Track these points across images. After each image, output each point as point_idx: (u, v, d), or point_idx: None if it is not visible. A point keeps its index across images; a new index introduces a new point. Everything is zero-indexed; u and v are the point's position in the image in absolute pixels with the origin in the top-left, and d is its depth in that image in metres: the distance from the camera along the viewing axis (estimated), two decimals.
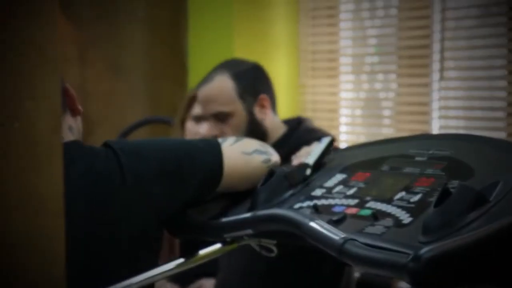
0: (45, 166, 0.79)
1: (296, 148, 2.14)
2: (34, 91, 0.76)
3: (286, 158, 2.11)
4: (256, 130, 2.27)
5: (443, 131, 3.39)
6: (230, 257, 2.21)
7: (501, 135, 3.19)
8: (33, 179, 0.77)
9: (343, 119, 4.08)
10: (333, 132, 3.93)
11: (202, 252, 1.85)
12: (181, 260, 1.83)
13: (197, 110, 2.73)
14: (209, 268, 2.47)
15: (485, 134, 2.34)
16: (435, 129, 3.47)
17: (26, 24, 0.73)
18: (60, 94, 0.80)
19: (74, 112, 1.81)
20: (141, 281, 1.72)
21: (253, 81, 2.30)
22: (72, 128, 1.80)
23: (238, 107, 2.26)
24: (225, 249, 1.85)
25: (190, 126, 2.77)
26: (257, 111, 2.27)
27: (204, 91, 2.28)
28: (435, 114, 3.50)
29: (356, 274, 2.99)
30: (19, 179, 0.75)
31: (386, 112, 3.84)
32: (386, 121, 3.81)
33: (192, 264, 1.85)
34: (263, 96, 2.29)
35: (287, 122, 2.37)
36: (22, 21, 0.73)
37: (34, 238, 0.75)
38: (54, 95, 0.81)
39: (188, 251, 1.85)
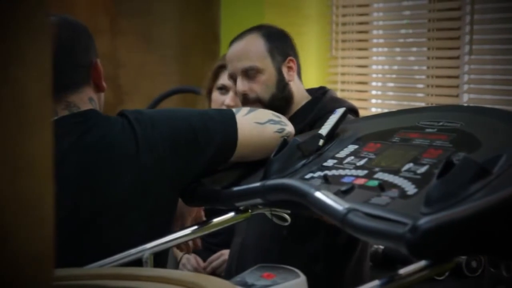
0: (35, 130, 0.79)
1: (320, 117, 2.14)
2: (22, 59, 0.77)
3: (310, 126, 2.11)
4: (283, 91, 2.25)
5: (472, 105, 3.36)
6: (247, 222, 2.22)
7: None
8: (22, 142, 0.77)
9: (373, 92, 4.07)
10: (363, 104, 3.93)
11: (216, 220, 1.87)
12: (195, 227, 1.86)
13: (222, 80, 2.74)
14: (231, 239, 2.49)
15: None
16: (464, 103, 3.44)
17: None
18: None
19: (98, 88, 1.85)
20: (154, 246, 1.75)
21: (282, 42, 2.30)
22: (92, 100, 1.83)
23: (268, 63, 2.25)
24: (239, 218, 1.87)
25: (216, 96, 2.78)
26: (285, 71, 2.27)
27: (234, 48, 2.28)
28: (465, 87, 3.46)
29: (381, 247, 3.00)
30: (8, 142, 0.76)
31: (417, 85, 3.81)
32: (416, 95, 3.78)
33: (206, 231, 1.87)
34: (291, 58, 2.28)
35: (310, 91, 2.36)
36: None
37: (23, 199, 0.77)
38: (44, 62, 0.81)
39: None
